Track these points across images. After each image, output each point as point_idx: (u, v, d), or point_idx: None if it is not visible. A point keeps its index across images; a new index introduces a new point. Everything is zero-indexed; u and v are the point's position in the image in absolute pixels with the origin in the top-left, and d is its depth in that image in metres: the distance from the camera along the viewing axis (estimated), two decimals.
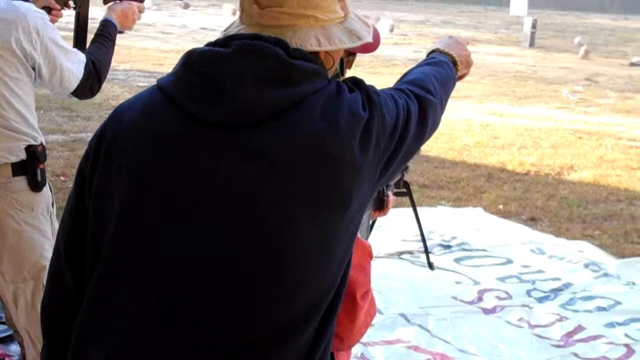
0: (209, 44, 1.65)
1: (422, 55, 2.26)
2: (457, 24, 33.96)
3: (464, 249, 5.85)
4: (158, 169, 1.59)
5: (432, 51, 2.18)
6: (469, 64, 2.24)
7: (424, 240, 2.91)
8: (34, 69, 3.05)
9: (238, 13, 1.72)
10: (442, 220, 6.44)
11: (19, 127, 3.05)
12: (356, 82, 1.69)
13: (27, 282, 3.14)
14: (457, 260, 5.63)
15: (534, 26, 25.96)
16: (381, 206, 2.48)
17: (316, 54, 1.65)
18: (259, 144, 1.54)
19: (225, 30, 1.72)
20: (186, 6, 32.05)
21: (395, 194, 2.68)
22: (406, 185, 2.73)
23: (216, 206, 1.55)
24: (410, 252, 5.62)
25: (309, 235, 1.55)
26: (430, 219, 6.25)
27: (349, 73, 2.07)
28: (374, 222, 2.62)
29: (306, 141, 1.55)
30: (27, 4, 3.13)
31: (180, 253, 1.56)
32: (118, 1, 3.54)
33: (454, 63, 2.14)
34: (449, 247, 5.87)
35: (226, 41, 1.62)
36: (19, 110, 3.04)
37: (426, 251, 2.92)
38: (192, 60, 1.62)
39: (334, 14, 1.68)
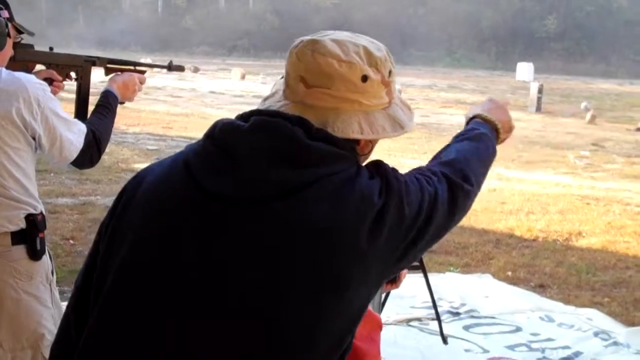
0: (237, 116, 1.65)
1: (430, 120, 2.26)
2: (464, 89, 34.21)
3: (472, 316, 5.81)
4: (157, 240, 1.59)
5: (473, 117, 2.12)
6: (510, 129, 2.19)
7: (437, 315, 2.91)
8: (34, 139, 3.07)
9: (282, 86, 1.70)
10: (450, 286, 6.42)
11: (19, 197, 3.06)
12: (377, 166, 1.66)
13: (25, 350, 3.12)
14: (466, 327, 5.60)
15: (540, 91, 26.16)
16: (394, 279, 2.49)
17: (354, 139, 1.64)
18: (261, 222, 1.52)
19: (263, 101, 1.72)
20: (196, 70, 32.37)
21: (409, 269, 2.69)
22: (419, 259, 2.74)
23: (202, 285, 1.53)
24: (419, 320, 5.60)
25: (300, 316, 1.52)
26: (438, 285, 6.23)
27: None
28: (387, 295, 2.63)
29: (308, 224, 1.52)
30: (28, 75, 3.17)
31: (161, 327, 1.54)
32: (119, 73, 3.62)
33: (496, 131, 2.10)
34: (457, 314, 5.84)
35: (249, 115, 1.62)
36: (19, 180, 3.05)
37: (439, 324, 2.91)
38: (215, 131, 1.62)
39: (379, 99, 1.67)
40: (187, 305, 1.53)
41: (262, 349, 1.50)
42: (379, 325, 2.05)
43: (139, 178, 1.70)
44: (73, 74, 3.56)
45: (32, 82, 3.08)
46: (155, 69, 4.21)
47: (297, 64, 1.63)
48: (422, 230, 1.65)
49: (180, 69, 3.95)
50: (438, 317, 2.92)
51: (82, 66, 3.58)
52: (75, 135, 3.16)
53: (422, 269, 2.77)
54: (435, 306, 2.88)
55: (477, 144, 1.97)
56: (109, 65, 3.65)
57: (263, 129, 1.57)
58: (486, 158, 1.98)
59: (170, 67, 3.82)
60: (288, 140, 1.55)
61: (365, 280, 1.56)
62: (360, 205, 1.55)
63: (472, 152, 1.91)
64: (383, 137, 1.68)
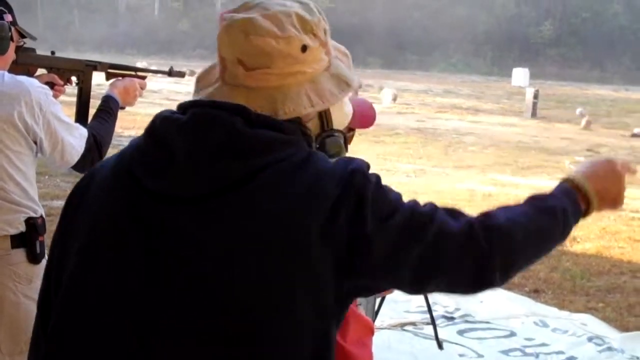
0: (178, 106, 1.57)
1: (425, 125, 2.21)
2: (460, 94, 34.25)
3: (467, 321, 5.82)
4: (104, 244, 1.52)
5: (566, 179, 1.73)
6: (615, 203, 1.77)
7: (432, 320, 2.91)
8: (35, 142, 3.07)
9: (218, 68, 1.59)
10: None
11: (20, 200, 3.06)
12: (349, 159, 1.54)
13: (24, 354, 3.11)
14: (461, 332, 5.60)
15: (535, 97, 26.20)
16: None
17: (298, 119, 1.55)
18: (203, 220, 1.44)
19: (198, 83, 1.63)
20: (192, 73, 32.34)
21: None
22: None
23: (151, 286, 1.46)
24: (414, 324, 5.60)
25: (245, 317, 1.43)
26: None
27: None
28: (382, 300, 2.62)
29: (252, 219, 1.43)
30: (30, 79, 3.18)
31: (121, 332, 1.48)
32: (120, 78, 3.63)
33: (587, 204, 1.71)
34: (452, 318, 5.84)
35: (188, 106, 1.53)
36: (20, 183, 3.06)
37: (435, 329, 2.90)
38: (155, 126, 1.54)
39: (319, 62, 1.59)
40: (140, 309, 1.46)
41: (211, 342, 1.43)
42: (370, 330, 2.04)
43: (87, 179, 1.64)
44: (74, 79, 3.57)
45: (34, 86, 3.09)
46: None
47: (232, 47, 1.54)
48: (391, 255, 1.46)
49: (181, 74, 3.96)
50: (433, 322, 2.92)
51: (83, 71, 3.59)
52: (76, 139, 3.17)
53: None
54: (430, 311, 2.87)
55: (541, 220, 1.61)
56: (110, 70, 3.67)
57: (201, 122, 1.48)
58: (540, 243, 1.63)
59: (171, 73, 3.83)
60: (227, 132, 1.46)
61: (313, 291, 1.43)
62: (310, 195, 1.44)
63: (525, 229, 1.58)
64: (334, 102, 1.60)
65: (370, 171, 1.54)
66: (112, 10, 61.98)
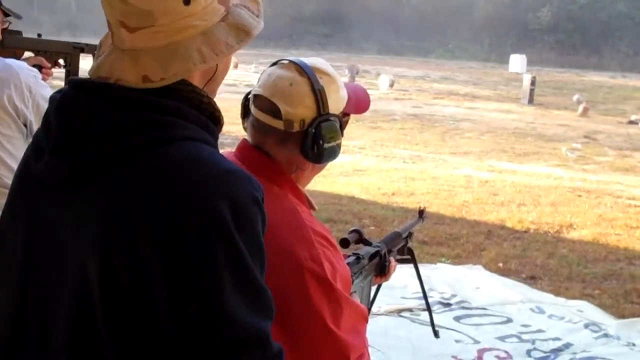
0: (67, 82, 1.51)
1: (422, 111, 2.17)
2: (457, 80, 34.23)
3: (463, 307, 5.83)
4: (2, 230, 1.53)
5: None
6: None
7: (428, 308, 2.91)
8: (25, 126, 3.08)
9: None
10: (441, 277, 6.43)
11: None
12: (225, 181, 1.38)
13: None
14: (457, 318, 5.61)
15: (532, 83, 26.19)
16: (383, 272, 2.47)
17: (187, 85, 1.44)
18: (68, 205, 1.40)
19: (98, 49, 1.54)
20: None
21: (399, 261, 2.67)
22: (410, 252, 2.73)
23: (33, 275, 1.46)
24: (410, 310, 5.61)
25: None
26: (430, 276, 6.25)
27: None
28: (378, 288, 2.61)
29: (110, 213, 1.36)
30: (19, 62, 3.17)
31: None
32: None
33: None
34: (448, 305, 5.85)
35: (67, 83, 1.48)
36: (11, 166, 3.06)
37: (431, 317, 2.90)
38: (48, 105, 1.51)
39: (213, 14, 1.45)
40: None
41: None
42: (364, 318, 2.03)
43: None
44: (62, 61, 3.54)
45: (23, 69, 3.08)
46: None
47: (112, 9, 1.43)
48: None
49: None
50: (429, 310, 2.92)
51: (70, 53, 3.56)
52: None
53: (413, 260, 2.76)
54: (426, 299, 2.87)
55: None
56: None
57: (65, 105, 1.43)
58: None
59: None
60: (85, 115, 1.38)
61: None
62: (160, 188, 1.34)
63: None
64: (229, 53, 1.46)
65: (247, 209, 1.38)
66: None
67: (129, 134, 1.36)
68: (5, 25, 3.29)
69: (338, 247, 1.99)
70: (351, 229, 2.43)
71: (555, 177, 12.34)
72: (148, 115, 1.38)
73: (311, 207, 2.02)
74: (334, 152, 1.96)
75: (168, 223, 1.31)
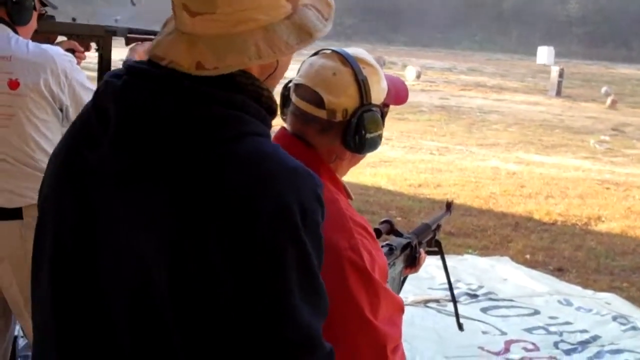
0: (123, 64, 1.46)
1: (449, 102, 2.15)
2: (484, 72, 34.08)
3: (490, 299, 5.81)
4: (45, 221, 1.48)
5: None
6: None
7: (454, 300, 2.90)
8: (61, 110, 3.12)
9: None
10: (468, 268, 6.42)
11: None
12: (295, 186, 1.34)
13: None
14: (484, 309, 5.59)
15: (560, 75, 26.03)
16: (413, 263, 2.47)
17: (237, 83, 1.39)
18: (117, 197, 1.37)
19: (163, 28, 1.49)
20: None
21: (427, 253, 2.67)
22: (438, 244, 2.72)
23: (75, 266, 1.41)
24: (437, 301, 5.60)
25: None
26: (457, 267, 6.25)
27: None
28: (405, 279, 2.61)
29: (164, 206, 1.33)
30: (54, 47, 3.21)
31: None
32: (140, 42, 3.61)
33: None
34: (475, 296, 5.84)
35: (124, 71, 1.42)
36: (47, 151, 3.09)
37: (456, 310, 2.90)
38: (99, 89, 1.43)
39: (277, 10, 1.39)
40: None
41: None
42: (400, 309, 2.02)
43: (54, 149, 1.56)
44: (94, 45, 3.57)
45: (59, 54, 3.12)
46: None
47: None
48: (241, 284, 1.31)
49: None
50: (454, 302, 2.91)
51: (102, 36, 3.59)
52: None
53: (440, 252, 2.76)
54: (452, 290, 2.87)
55: None
56: (129, 35, 3.65)
57: (127, 95, 1.37)
58: None
59: None
60: (152, 109, 1.34)
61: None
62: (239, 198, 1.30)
63: None
64: (288, 52, 1.41)
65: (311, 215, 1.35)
66: None
67: (196, 130, 1.32)
68: (42, 13, 3.33)
69: (374, 236, 1.99)
70: (382, 219, 2.43)
71: (583, 169, 12.26)
72: (215, 110, 1.34)
73: (348, 196, 2.02)
74: (375, 143, 1.95)
75: (238, 221, 1.29)
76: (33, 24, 3.21)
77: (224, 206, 1.30)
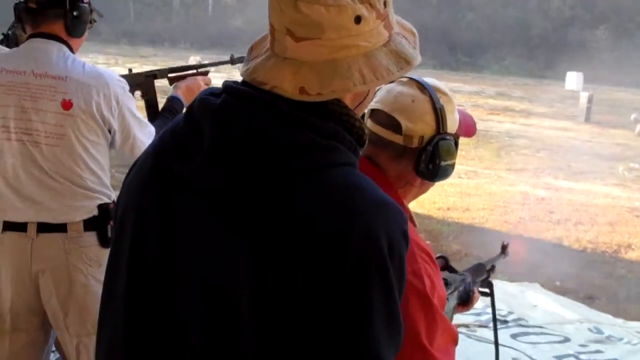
0: (224, 84, 1.48)
1: (477, 126, 2.16)
2: (512, 96, 33.99)
3: (520, 325, 5.79)
4: (129, 230, 1.50)
5: None
6: None
7: (496, 343, 2.89)
8: (110, 132, 3.17)
9: (268, 38, 1.48)
10: (498, 294, 6.36)
11: (94, 187, 3.18)
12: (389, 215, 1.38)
13: (91, 336, 3.18)
14: (514, 336, 5.57)
15: (589, 101, 25.87)
16: (466, 301, 2.46)
17: (333, 110, 1.42)
18: (207, 212, 1.39)
19: (250, 52, 1.51)
20: None
21: (480, 294, 2.67)
22: (490, 285, 2.72)
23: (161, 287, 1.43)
24: (467, 326, 5.58)
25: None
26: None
27: None
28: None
29: (263, 226, 1.35)
30: (109, 71, 3.28)
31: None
32: (182, 79, 3.69)
33: None
34: (505, 322, 5.81)
35: (223, 90, 1.45)
36: (95, 172, 3.18)
37: (496, 342, 2.89)
38: (193, 107, 1.47)
39: (377, 37, 1.44)
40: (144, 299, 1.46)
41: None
42: (455, 340, 2.01)
43: (138, 158, 1.59)
44: (138, 93, 3.63)
45: (113, 79, 3.20)
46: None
47: (281, 15, 1.41)
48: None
49: (242, 60, 3.98)
50: (496, 344, 2.91)
51: (144, 83, 3.66)
52: (145, 136, 3.25)
53: (491, 293, 2.75)
54: (495, 332, 2.87)
55: None
56: (170, 75, 3.72)
57: (227, 114, 1.40)
58: None
59: (233, 61, 3.75)
60: (249, 130, 1.37)
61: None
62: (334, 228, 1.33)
63: None
64: (389, 80, 1.45)
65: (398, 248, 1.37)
66: (167, 5, 62.45)
67: (290, 155, 1.35)
68: (91, 25, 3.37)
69: (435, 262, 1.99)
70: (438, 255, 2.43)
71: (612, 196, 12.18)
72: (310, 138, 1.36)
73: (413, 223, 2.04)
74: (447, 172, 1.98)
75: (327, 251, 1.31)
76: (84, 37, 3.29)
77: (313, 235, 1.31)
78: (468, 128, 2.14)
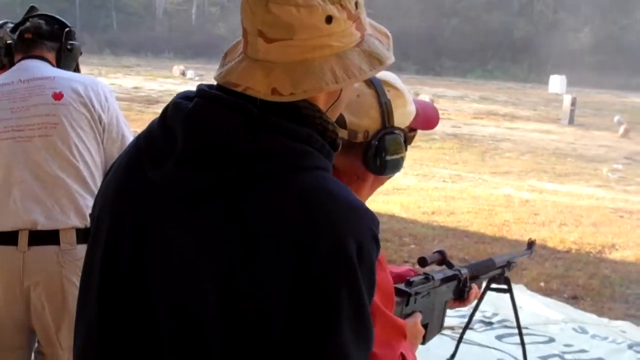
0: (197, 88, 1.48)
1: (462, 130, 2.17)
2: (496, 100, 34.09)
3: (505, 326, 5.79)
4: (104, 234, 1.50)
5: None
6: None
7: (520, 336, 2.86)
8: (100, 123, 3.20)
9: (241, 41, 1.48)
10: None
11: (89, 182, 3.16)
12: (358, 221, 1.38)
13: None
14: (499, 337, 5.58)
15: (573, 104, 26.00)
16: (462, 297, 2.43)
17: (305, 112, 1.42)
18: (179, 217, 1.39)
19: (224, 59, 1.51)
20: None
21: (496, 290, 2.64)
22: (507, 281, 2.69)
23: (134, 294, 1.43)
24: (452, 328, 5.58)
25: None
26: None
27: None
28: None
29: (232, 229, 1.35)
30: (101, 80, 3.41)
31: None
32: None
33: None
34: (490, 324, 5.82)
35: (196, 94, 1.45)
36: (89, 165, 3.19)
37: (461, 336, 2.87)
38: (167, 110, 1.46)
39: (349, 37, 1.44)
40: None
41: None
42: (400, 332, 1.98)
43: (113, 164, 1.60)
44: None
45: (101, 82, 3.36)
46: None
47: (252, 17, 1.41)
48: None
49: None
50: (521, 337, 2.89)
51: None
52: (133, 136, 3.26)
53: (509, 290, 2.73)
54: (520, 329, 2.86)
55: None
56: None
57: (199, 117, 1.40)
58: None
59: None
60: (221, 133, 1.37)
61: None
62: (301, 231, 1.33)
63: None
64: (361, 78, 1.46)
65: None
66: (150, 14, 62.40)
67: (260, 158, 1.35)
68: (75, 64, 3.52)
69: (383, 259, 1.98)
70: (435, 249, 2.41)
71: (596, 197, 12.25)
72: (282, 141, 1.37)
73: None
74: (396, 165, 1.96)
75: (296, 254, 1.31)
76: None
77: (282, 239, 1.32)
78: (428, 120, 2.12)
